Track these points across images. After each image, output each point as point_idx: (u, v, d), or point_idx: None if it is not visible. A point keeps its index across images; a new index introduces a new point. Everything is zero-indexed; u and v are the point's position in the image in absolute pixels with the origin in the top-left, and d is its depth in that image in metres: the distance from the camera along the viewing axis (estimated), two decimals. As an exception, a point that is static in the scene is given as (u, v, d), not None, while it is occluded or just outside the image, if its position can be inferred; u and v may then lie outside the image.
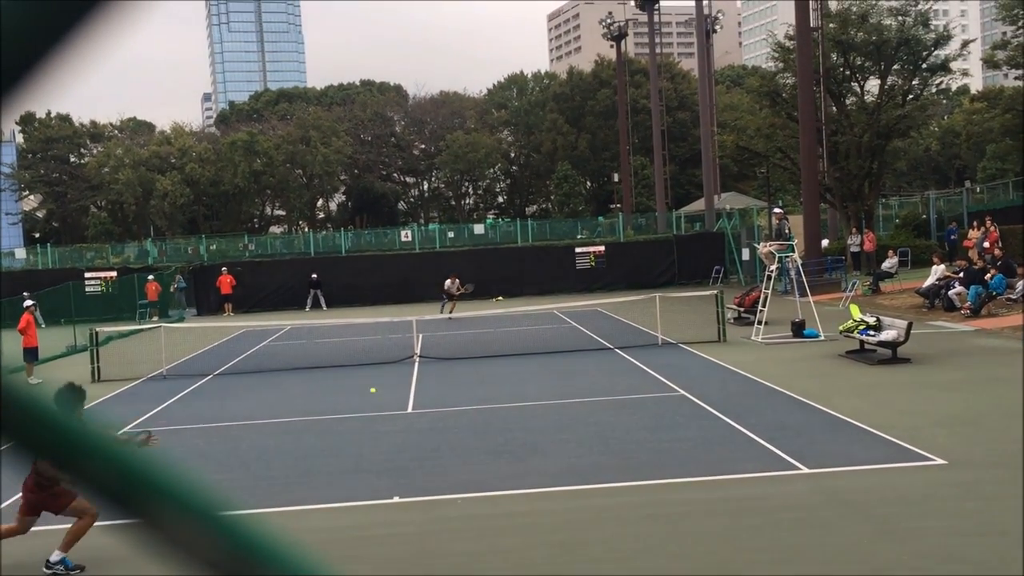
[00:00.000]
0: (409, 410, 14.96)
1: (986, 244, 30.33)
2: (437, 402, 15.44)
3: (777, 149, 41.95)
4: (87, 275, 41.29)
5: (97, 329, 22.18)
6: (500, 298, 39.92)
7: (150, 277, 39.17)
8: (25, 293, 28.66)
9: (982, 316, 22.32)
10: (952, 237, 37.41)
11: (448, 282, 34.84)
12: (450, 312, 32.10)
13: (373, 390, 10.77)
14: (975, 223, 34.64)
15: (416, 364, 20.17)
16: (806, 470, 9.86)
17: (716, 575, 7.03)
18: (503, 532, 8.35)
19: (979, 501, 8.52)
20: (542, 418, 13.65)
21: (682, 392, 15.04)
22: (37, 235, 74.04)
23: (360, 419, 14.33)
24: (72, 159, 77.65)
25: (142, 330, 29.90)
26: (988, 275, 23.90)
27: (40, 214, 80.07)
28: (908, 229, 40.76)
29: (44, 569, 7.80)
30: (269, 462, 11.73)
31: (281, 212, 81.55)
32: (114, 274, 41.58)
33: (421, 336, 23.73)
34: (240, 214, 74.94)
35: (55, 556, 7.88)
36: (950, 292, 24.08)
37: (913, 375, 15.68)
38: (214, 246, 48.85)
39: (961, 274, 24.57)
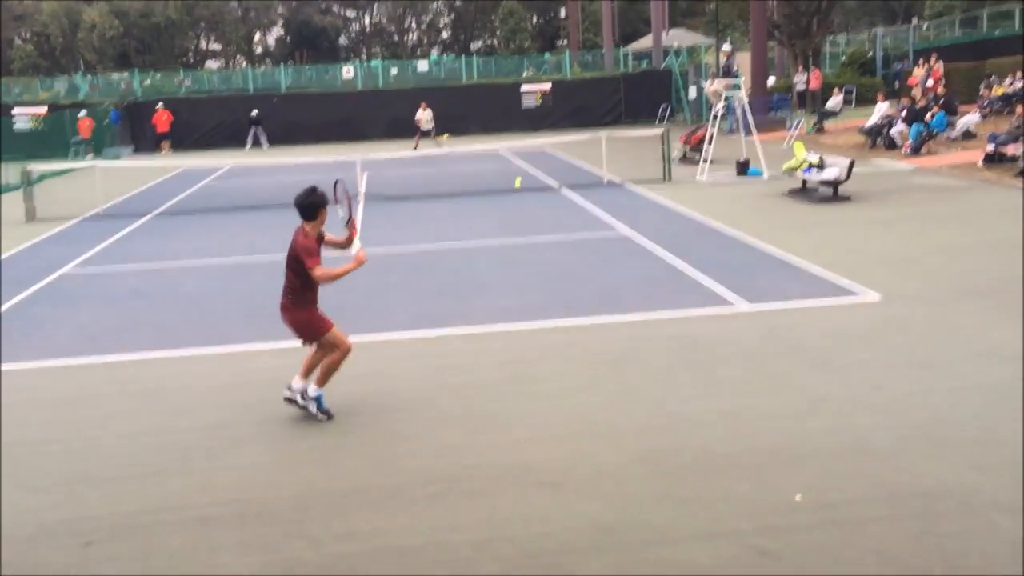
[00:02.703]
0: (354, 250, 14.87)
1: (930, 82, 30.39)
2: (382, 241, 15.37)
3: (727, -17, 41.04)
4: (15, 111, 39.67)
5: (29, 167, 21.51)
6: (445, 137, 39.36)
7: (82, 113, 37.79)
8: (-50, 130, 27.53)
9: (922, 155, 22.59)
10: (899, 75, 37.37)
11: (420, 112, 34.43)
12: (415, 146, 31.92)
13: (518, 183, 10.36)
14: (920, 61, 34.58)
15: (361, 204, 19.98)
16: (745, 307, 10.09)
17: (656, 407, 7.25)
18: (448, 370, 8.49)
19: (909, 335, 8.82)
20: (487, 258, 13.70)
21: (626, 231, 15.15)
22: (-42, 69, 70.57)
23: (305, 259, 14.24)
24: (-9, -13, 73.29)
25: (76, 168, 29.06)
26: (930, 113, 24.04)
27: (-40, 46, 76.10)
28: (854, 67, 40.59)
29: (293, 397, 7.21)
30: (213, 302, 11.68)
31: (217, 46, 78.54)
32: (44, 110, 40.01)
33: (366, 175, 23.44)
34: (174, 48, 72.06)
35: (312, 390, 7.21)
36: (892, 130, 24.24)
37: (853, 213, 15.93)
38: (148, 81, 47.03)
39: (904, 112, 24.69)
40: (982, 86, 28.05)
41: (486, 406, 7.46)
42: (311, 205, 7.42)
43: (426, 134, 34.34)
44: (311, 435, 7.06)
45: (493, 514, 5.62)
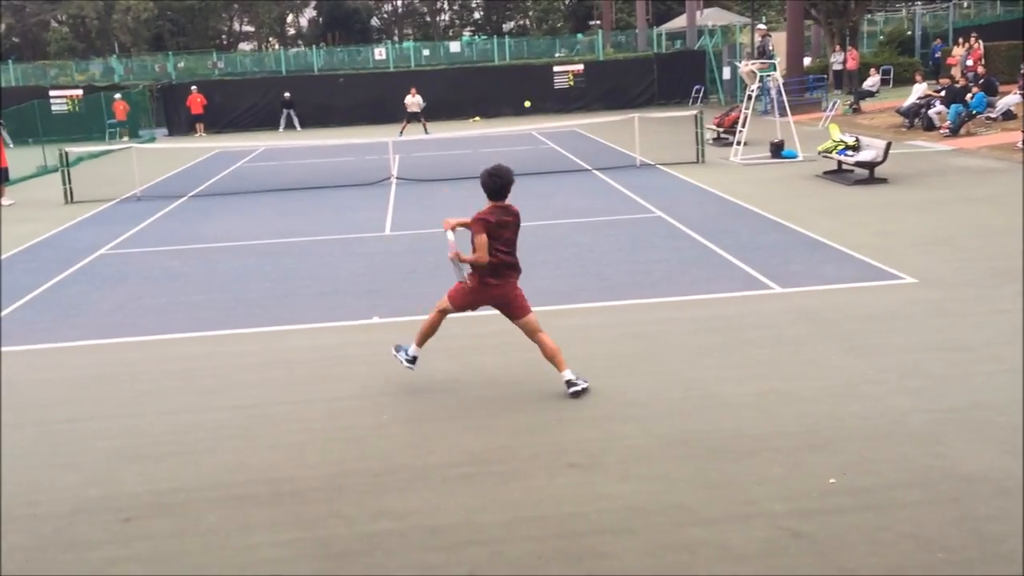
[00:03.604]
0: (387, 232, 14.95)
1: (969, 62, 29.89)
2: (415, 224, 15.43)
3: (763, -39, 40.54)
4: (52, 93, 40.11)
5: (66, 149, 21.76)
6: (477, 119, 39.33)
7: (118, 96, 38.13)
8: (-10, 113, 27.89)
9: (961, 135, 22.25)
10: (936, 54, 36.78)
11: (408, 98, 34.18)
12: (401, 132, 31.69)
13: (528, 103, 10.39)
14: (960, 40, 34.00)
15: (393, 186, 20.03)
16: (779, 289, 10.02)
17: (689, 389, 7.23)
18: (481, 351, 8.51)
19: (945, 318, 8.72)
20: (520, 240, 13.65)
21: (659, 213, 15.07)
22: (-3, 52, 71.36)
23: (337, 241, 14.33)
24: (27, -31, 73.95)
25: (112, 151, 29.35)
26: (969, 94, 23.65)
27: (-1, 29, 76.94)
28: (892, 46, 39.99)
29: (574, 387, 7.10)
30: (247, 283, 11.77)
31: (250, 28, 78.82)
32: (80, 92, 40.40)
33: (398, 157, 23.48)
34: (207, 30, 72.34)
35: (569, 374, 7.16)
36: (930, 111, 23.89)
37: (889, 195, 15.74)
38: (182, 64, 47.30)
39: (943, 93, 24.31)
40: (1023, 66, 27.51)
41: (518, 387, 7.47)
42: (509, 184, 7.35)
43: (413, 118, 33.99)
44: (344, 415, 7.11)
45: (525, 495, 5.63)
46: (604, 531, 5.15)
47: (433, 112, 38.42)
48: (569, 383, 7.16)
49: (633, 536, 5.07)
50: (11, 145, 32.97)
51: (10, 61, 49.74)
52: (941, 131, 22.87)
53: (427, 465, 6.12)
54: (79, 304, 11.12)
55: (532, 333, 7.30)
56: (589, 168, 21.29)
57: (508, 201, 7.32)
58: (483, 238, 7.14)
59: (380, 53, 46.76)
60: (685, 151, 21.77)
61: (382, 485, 5.87)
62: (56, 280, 12.42)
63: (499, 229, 7.21)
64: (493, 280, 7.24)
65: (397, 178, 20.95)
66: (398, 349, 7.61)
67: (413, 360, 7.53)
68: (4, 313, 10.74)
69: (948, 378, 7.16)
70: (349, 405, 7.31)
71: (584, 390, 7.16)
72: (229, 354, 8.84)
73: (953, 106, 22.99)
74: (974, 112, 23.11)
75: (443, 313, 7.47)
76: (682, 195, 16.92)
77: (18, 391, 8.05)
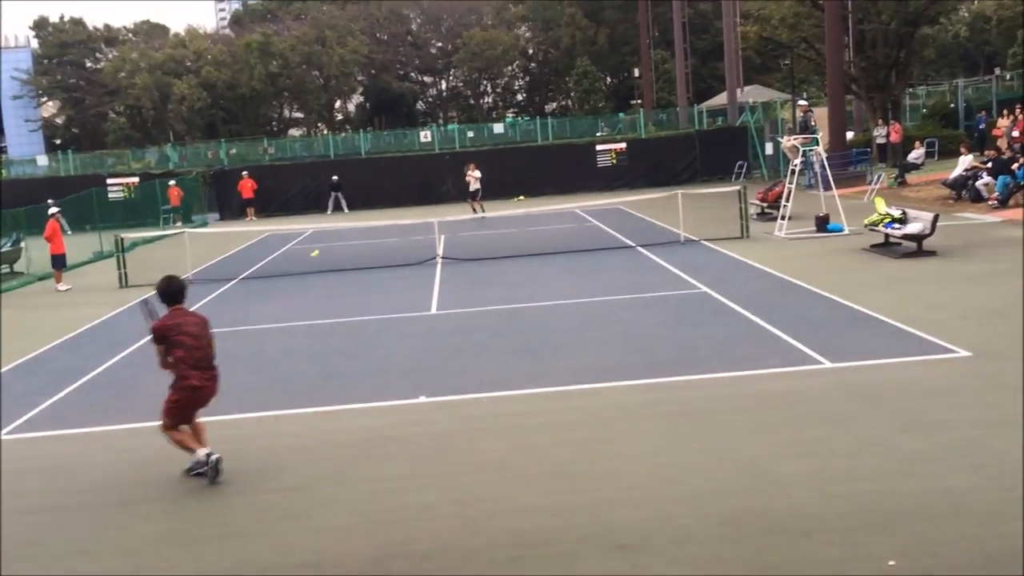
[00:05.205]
0: (433, 311, 15.04)
1: (1015, 133, 29.71)
2: (460, 303, 15.51)
3: (802, 39, 40.93)
4: (109, 181, 41.35)
5: (122, 235, 22.32)
6: (521, 197, 39.73)
7: (172, 182, 39.17)
8: (49, 200, 28.75)
9: (1010, 207, 22.00)
10: (981, 126, 36.65)
11: (468, 172, 34.41)
12: (481, 210, 31.85)
13: (315, 253, 10.93)
14: (1004, 111, 33.89)
15: (439, 265, 20.21)
16: (829, 364, 9.88)
17: (739, 468, 7.11)
18: (528, 430, 8.46)
19: (1003, 392, 8.51)
20: (565, 317, 13.69)
21: (705, 289, 15.02)
22: (58, 141, 73.90)
23: (384, 321, 14.44)
24: (88, 64, 76.99)
25: (166, 235, 30.04)
26: (1016, 164, 23.45)
27: (59, 120, 79.78)
28: (935, 119, 39.93)
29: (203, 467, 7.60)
30: (296, 364, 11.87)
31: (299, 114, 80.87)
32: (136, 180, 41.61)
33: (443, 237, 23.74)
34: (258, 117, 74.41)
35: (206, 453, 7.61)
36: (977, 183, 23.70)
37: (939, 268, 15.56)
38: (234, 150, 48.57)
39: (989, 164, 24.13)
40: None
41: (566, 467, 7.40)
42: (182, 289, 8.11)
43: (476, 194, 34.13)
44: (391, 496, 7.08)
45: (574, 577, 5.54)
46: (656, 615, 5.03)
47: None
48: (198, 463, 7.60)
49: (686, 620, 4.95)
50: (69, 232, 33.79)
51: (70, 151, 51.41)
52: (989, 203, 22.65)
53: (474, 547, 6.05)
54: (132, 386, 11.27)
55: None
56: (633, 244, 21.34)
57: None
58: (158, 348, 7.72)
59: (426, 135, 47.65)
60: (729, 226, 21.76)
61: (429, 568, 5.81)
62: (110, 363, 12.63)
63: (180, 328, 7.72)
64: (196, 382, 7.71)
65: (443, 258, 21.16)
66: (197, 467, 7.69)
67: (205, 463, 7.61)
68: (60, 396, 10.92)
69: (1009, 455, 6.96)
70: (396, 486, 7.28)
71: (202, 474, 7.58)
72: (278, 435, 8.89)
73: (1000, 177, 22.80)
74: (1022, 183, 22.88)
75: (170, 430, 7.84)
76: (727, 270, 16.87)
77: (70, 473, 8.14)
